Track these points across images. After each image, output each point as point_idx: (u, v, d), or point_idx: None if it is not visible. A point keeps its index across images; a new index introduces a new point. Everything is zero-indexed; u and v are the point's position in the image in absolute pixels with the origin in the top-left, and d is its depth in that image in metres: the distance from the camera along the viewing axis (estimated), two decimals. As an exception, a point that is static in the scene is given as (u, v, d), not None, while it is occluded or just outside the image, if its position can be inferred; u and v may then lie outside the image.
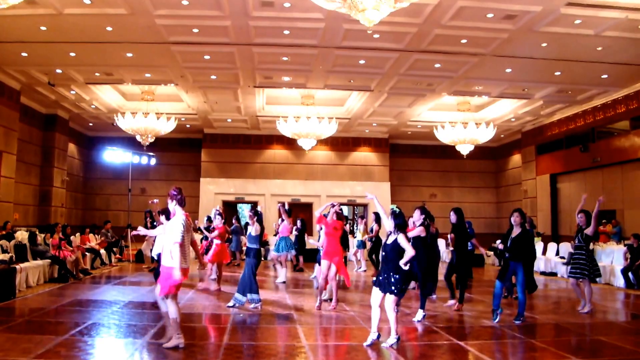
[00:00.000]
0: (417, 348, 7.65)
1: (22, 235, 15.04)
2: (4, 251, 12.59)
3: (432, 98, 20.98)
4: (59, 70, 17.86)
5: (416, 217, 10.07)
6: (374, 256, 16.95)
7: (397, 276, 7.34)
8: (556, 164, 24.03)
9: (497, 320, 9.20)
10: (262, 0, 12.68)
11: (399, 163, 29.30)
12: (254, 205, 26.28)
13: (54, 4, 12.65)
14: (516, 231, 9.55)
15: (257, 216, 10.69)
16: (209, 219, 16.82)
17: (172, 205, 7.30)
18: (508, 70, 17.20)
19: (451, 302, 10.78)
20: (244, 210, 28.83)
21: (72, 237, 16.11)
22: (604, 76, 17.50)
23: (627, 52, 15.16)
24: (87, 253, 16.14)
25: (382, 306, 7.48)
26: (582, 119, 21.79)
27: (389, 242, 7.62)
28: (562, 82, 18.34)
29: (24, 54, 16.28)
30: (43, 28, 14.15)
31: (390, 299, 7.37)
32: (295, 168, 28.00)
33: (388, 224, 7.69)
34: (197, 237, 19.07)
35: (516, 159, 27.98)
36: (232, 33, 14.57)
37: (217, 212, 14.34)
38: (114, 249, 19.13)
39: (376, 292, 7.53)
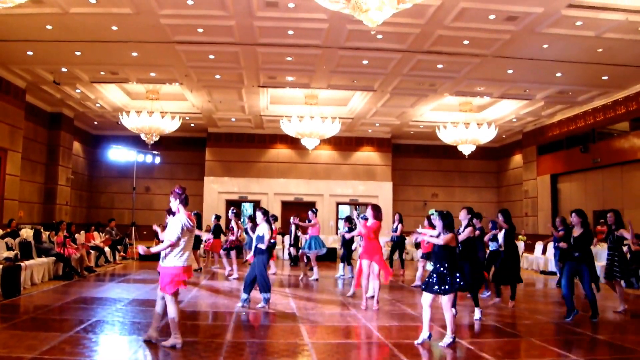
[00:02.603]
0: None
1: (27, 232, 15.14)
2: (9, 248, 12.68)
3: (434, 98, 21.05)
4: (64, 69, 17.96)
5: (462, 217, 10.12)
6: (395, 255, 17.07)
7: (443, 272, 7.46)
8: (557, 164, 24.09)
9: (569, 319, 9.46)
10: (266, 0, 12.75)
11: (401, 163, 29.37)
12: (259, 205, 26.40)
13: (60, 3, 12.73)
14: (578, 231, 9.74)
15: (267, 216, 10.80)
16: (217, 217, 17.04)
17: (176, 204, 7.35)
18: (510, 71, 17.26)
19: (496, 299, 10.87)
20: (247, 210, 28.91)
21: (76, 235, 16.22)
22: (605, 77, 17.55)
23: (627, 54, 15.21)
24: (91, 251, 16.22)
25: (432, 306, 7.57)
26: (582, 119, 21.84)
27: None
28: (563, 83, 18.40)
29: (30, 53, 16.38)
30: (49, 27, 14.24)
31: (445, 299, 7.45)
32: (299, 167, 28.09)
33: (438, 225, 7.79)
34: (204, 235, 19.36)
35: (517, 159, 28.02)
36: (237, 33, 14.65)
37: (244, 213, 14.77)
38: (119, 247, 19.24)
39: (426, 295, 7.60)
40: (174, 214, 7.37)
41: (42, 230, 15.03)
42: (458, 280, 7.41)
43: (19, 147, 19.65)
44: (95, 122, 26.48)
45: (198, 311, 10.15)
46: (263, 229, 10.52)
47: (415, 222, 23.44)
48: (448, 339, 7.42)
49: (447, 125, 21.84)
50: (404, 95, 20.70)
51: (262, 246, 10.36)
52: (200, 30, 14.52)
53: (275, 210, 26.60)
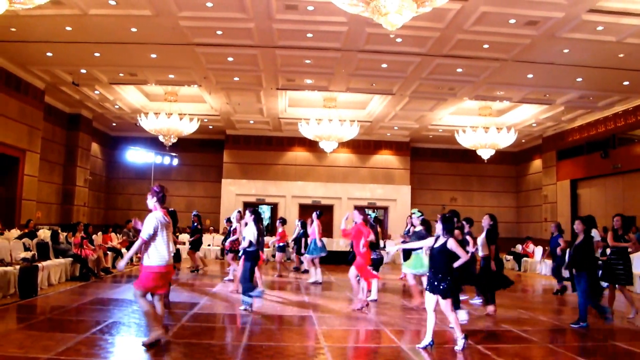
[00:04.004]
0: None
1: (44, 233, 15.22)
2: (27, 249, 12.72)
3: (453, 102, 20.94)
4: (83, 70, 18.06)
5: (485, 224, 10.03)
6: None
7: (448, 279, 7.41)
8: (577, 169, 23.87)
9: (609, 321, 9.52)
10: (286, 3, 12.72)
11: (419, 166, 29.26)
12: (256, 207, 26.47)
13: (80, 4, 12.79)
14: (579, 238, 9.62)
15: (256, 216, 10.69)
16: (229, 220, 16.94)
17: (152, 202, 7.47)
18: (530, 75, 17.12)
19: (490, 308, 10.74)
20: (265, 212, 28.95)
21: (94, 236, 16.28)
22: (626, 83, 17.34)
23: (649, 59, 15.04)
24: (108, 252, 16.27)
25: (437, 310, 7.53)
26: (603, 125, 21.62)
27: (436, 245, 7.68)
28: (584, 88, 18.21)
29: (49, 54, 16.49)
30: (68, 28, 14.31)
31: (444, 302, 7.42)
32: (317, 170, 28.06)
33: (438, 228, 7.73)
34: (219, 237, 19.29)
35: (537, 164, 27.81)
36: (256, 35, 14.64)
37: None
38: (135, 248, 19.26)
39: (430, 297, 7.58)
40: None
41: (59, 231, 15.10)
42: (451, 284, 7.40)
43: (38, 147, 19.77)
44: (114, 124, 26.61)
45: (214, 314, 10.14)
46: (249, 231, 10.39)
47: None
48: (460, 341, 7.38)
49: (466, 130, 21.68)
50: (422, 99, 20.62)
51: (245, 244, 10.33)
52: (219, 32, 14.53)
53: (293, 213, 26.59)
